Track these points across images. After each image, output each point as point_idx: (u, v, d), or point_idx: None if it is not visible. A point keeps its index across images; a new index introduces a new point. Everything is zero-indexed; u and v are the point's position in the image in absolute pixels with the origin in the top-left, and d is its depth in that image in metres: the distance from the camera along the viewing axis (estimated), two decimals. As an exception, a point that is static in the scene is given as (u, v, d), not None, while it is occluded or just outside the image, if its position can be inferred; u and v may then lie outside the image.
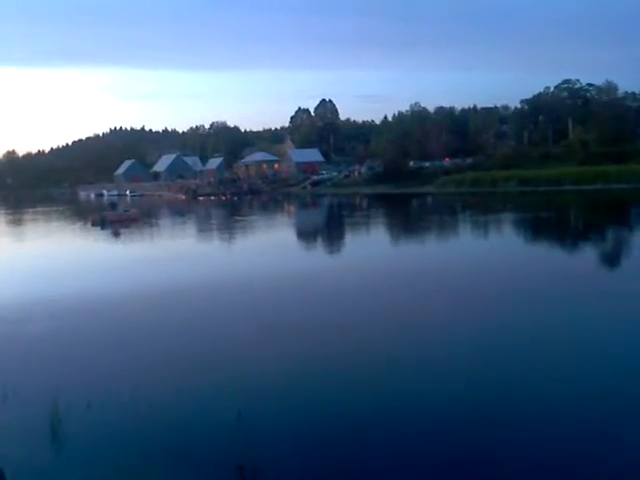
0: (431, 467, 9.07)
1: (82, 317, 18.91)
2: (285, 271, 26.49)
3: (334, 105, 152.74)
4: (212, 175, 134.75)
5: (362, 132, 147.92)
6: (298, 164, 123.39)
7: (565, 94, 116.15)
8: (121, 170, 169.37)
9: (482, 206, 61.14)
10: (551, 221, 45.16)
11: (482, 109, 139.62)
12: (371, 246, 34.92)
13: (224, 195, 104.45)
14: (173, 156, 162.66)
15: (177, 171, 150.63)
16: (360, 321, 17.03)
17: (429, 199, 74.61)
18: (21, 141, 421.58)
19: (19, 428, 10.61)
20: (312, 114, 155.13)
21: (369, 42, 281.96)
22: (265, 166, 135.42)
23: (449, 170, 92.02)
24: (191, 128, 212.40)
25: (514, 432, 9.88)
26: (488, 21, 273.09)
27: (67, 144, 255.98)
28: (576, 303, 18.40)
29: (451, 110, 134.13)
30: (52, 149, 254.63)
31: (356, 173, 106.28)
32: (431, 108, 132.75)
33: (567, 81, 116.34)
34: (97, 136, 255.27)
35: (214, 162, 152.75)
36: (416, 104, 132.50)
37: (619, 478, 8.50)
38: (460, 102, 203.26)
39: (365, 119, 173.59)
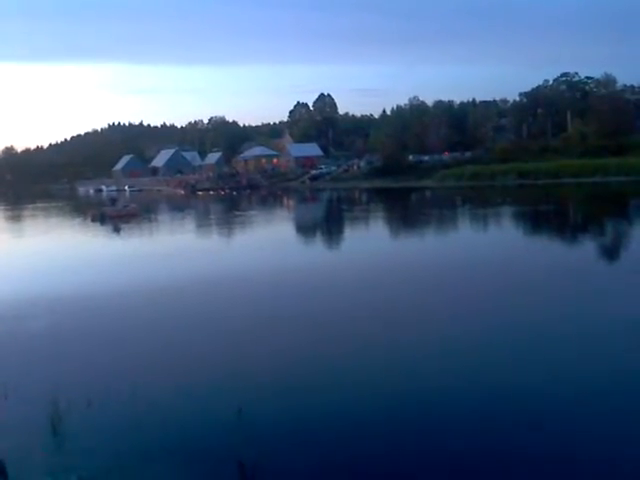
0: (431, 464, 9.08)
1: (83, 313, 18.92)
2: (287, 266, 26.44)
3: (333, 99, 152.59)
4: (211, 170, 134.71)
5: (361, 126, 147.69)
6: (297, 158, 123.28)
7: (564, 87, 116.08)
8: (120, 165, 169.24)
9: (481, 200, 61.15)
10: (551, 214, 45.14)
11: (481, 103, 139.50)
12: (372, 240, 34.86)
13: (223, 190, 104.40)
14: (172, 151, 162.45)
15: (176, 166, 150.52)
16: (363, 317, 16.99)
17: (428, 193, 74.61)
18: (20, 137, 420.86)
19: (20, 425, 10.63)
20: (311, 108, 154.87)
21: (367, 36, 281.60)
22: (264, 161, 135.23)
23: (448, 164, 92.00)
24: (190, 123, 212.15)
25: (516, 430, 9.90)
26: (486, 15, 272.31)
27: (66, 139, 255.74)
28: (580, 298, 18.40)
29: (450, 104, 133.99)
30: (51, 145, 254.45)
31: (355, 167, 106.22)
32: (430, 102, 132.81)
33: (566, 74, 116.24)
34: (95, 131, 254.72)
35: (213, 157, 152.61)
36: (415, 98, 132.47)
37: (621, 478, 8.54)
38: (459, 96, 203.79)
39: (364, 113, 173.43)
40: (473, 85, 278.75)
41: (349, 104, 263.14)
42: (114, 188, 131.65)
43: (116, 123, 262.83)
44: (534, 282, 20.42)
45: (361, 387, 11.70)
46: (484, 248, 29.54)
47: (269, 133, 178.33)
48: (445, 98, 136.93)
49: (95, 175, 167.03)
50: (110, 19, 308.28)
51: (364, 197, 75.95)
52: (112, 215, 54.41)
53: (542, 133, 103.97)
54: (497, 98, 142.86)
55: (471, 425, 10.04)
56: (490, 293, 19.57)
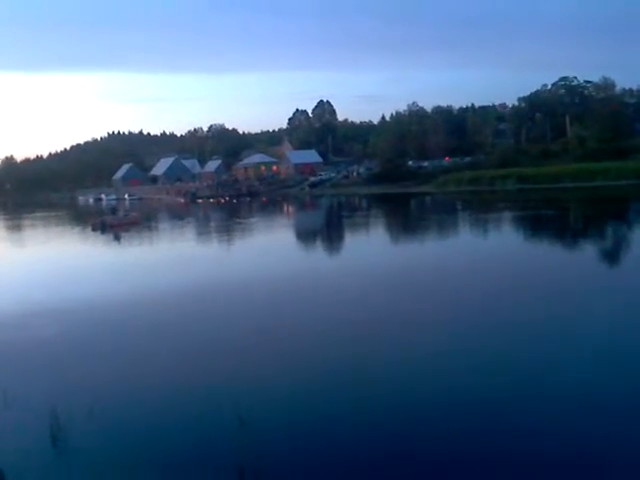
0: (434, 470, 9.05)
1: (85, 322, 18.93)
2: (289, 273, 26.46)
3: (332, 106, 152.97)
4: (211, 178, 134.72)
5: (360, 132, 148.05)
6: (296, 165, 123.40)
7: (562, 91, 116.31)
8: (119, 174, 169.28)
9: (481, 204, 61.17)
10: (553, 219, 45.09)
11: (480, 108, 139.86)
12: (374, 247, 34.70)
13: (223, 197, 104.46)
14: (171, 159, 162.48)
15: (175, 174, 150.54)
16: (365, 322, 17.01)
17: (428, 198, 74.64)
18: (19, 146, 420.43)
19: (20, 434, 10.61)
20: (310, 115, 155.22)
21: (366, 43, 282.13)
22: (263, 168, 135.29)
23: (447, 169, 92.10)
24: (189, 131, 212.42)
25: (520, 431, 9.90)
26: (484, 20, 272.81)
27: (65, 149, 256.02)
28: (587, 300, 18.44)
29: (449, 109, 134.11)
30: (50, 154, 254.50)
31: (354, 173, 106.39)
32: (429, 107, 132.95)
33: (564, 78, 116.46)
34: (95, 140, 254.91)
35: (212, 165, 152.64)
36: (414, 104, 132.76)
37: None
38: (458, 101, 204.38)
39: (363, 119, 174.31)
40: (472, 90, 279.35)
41: (348, 111, 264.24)
42: (114, 197, 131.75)
43: (116, 132, 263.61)
44: (543, 288, 20.40)
45: (363, 393, 11.65)
46: (488, 254, 29.35)
47: (268, 140, 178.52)
48: (444, 103, 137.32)
49: (95, 184, 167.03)
50: (110, 28, 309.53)
51: (364, 203, 75.98)
52: (113, 224, 54.37)
53: (541, 137, 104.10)
54: (496, 103, 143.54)
55: (475, 427, 10.04)
56: (496, 298, 19.57)
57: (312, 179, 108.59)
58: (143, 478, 9.17)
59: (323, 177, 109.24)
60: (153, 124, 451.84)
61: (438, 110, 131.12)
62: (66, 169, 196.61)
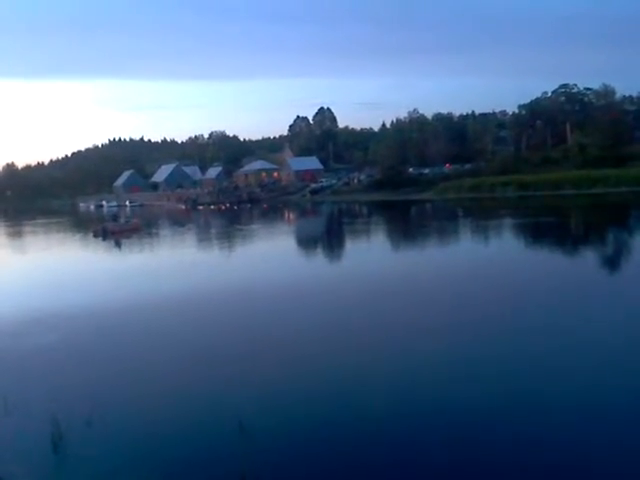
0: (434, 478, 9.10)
1: (88, 329, 18.96)
2: (291, 281, 26.46)
3: (332, 113, 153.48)
4: (211, 184, 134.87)
5: (361, 139, 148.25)
6: (297, 172, 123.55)
7: (563, 99, 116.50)
8: (120, 181, 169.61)
9: (482, 212, 61.20)
10: (555, 226, 45.09)
11: (480, 115, 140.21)
12: (377, 255, 34.43)
13: (224, 204, 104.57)
14: (172, 166, 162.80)
15: (176, 181, 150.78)
16: (367, 329, 17.03)
17: (429, 205, 74.68)
18: (20, 154, 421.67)
19: (21, 441, 10.63)
20: (310, 122, 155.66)
21: (366, 50, 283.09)
22: (264, 175, 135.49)
23: (448, 176, 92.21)
24: (190, 138, 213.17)
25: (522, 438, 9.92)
26: (485, 27, 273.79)
27: (66, 156, 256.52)
28: (591, 308, 18.47)
29: (449, 116, 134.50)
30: (51, 161, 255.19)
31: (355, 180, 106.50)
32: (429, 115, 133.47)
33: (564, 85, 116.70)
34: (96, 147, 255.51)
35: (213, 171, 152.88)
36: (414, 111, 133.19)
37: None
38: (458, 108, 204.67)
39: (363, 126, 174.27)
40: (472, 97, 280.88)
41: (349, 118, 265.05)
42: (115, 204, 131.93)
43: (117, 139, 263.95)
44: (548, 297, 20.43)
45: (365, 401, 11.64)
46: (492, 262, 29.21)
47: (269, 147, 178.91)
48: (444, 111, 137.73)
49: (96, 191, 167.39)
50: (110, 35, 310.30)
51: (365, 210, 76.02)
52: (114, 230, 54.40)
53: (542, 145, 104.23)
54: (496, 110, 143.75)
55: (479, 437, 10.08)
56: (501, 306, 19.60)
57: (313, 186, 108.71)
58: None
59: (324, 184, 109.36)
60: (154, 131, 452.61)
61: (438, 117, 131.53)
62: (67, 176, 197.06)
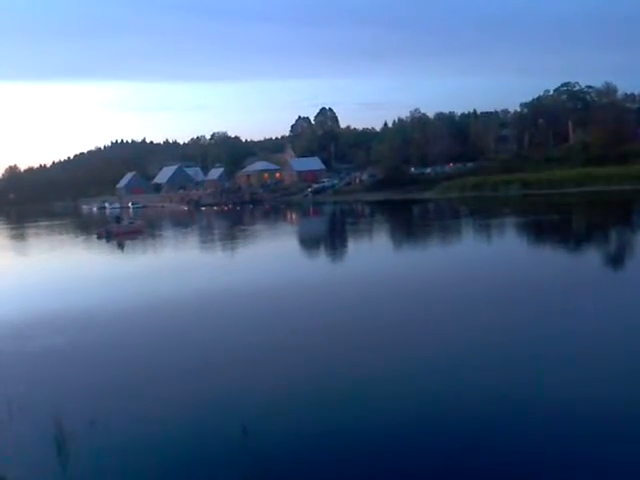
0: None
1: (95, 331, 19.02)
2: (296, 282, 26.50)
3: (334, 113, 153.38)
4: (214, 185, 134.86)
5: (362, 139, 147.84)
6: (299, 172, 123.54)
7: (565, 97, 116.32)
8: (123, 183, 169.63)
9: (486, 210, 61.11)
10: (559, 223, 45.04)
11: (482, 114, 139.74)
12: (382, 255, 34.36)
13: (226, 205, 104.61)
14: (174, 167, 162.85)
15: (179, 182, 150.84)
16: (373, 331, 17.09)
17: (431, 205, 74.61)
18: (23, 156, 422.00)
19: (25, 444, 10.68)
20: (312, 123, 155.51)
21: (368, 50, 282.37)
22: (266, 175, 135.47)
23: (450, 175, 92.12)
24: (192, 139, 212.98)
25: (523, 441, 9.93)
26: (486, 26, 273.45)
27: (69, 158, 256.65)
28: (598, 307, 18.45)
29: (451, 115, 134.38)
30: (54, 163, 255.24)
31: (357, 180, 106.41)
32: (431, 114, 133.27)
33: (566, 84, 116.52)
34: (99, 149, 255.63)
35: (215, 172, 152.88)
36: (416, 110, 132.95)
37: None
38: (460, 107, 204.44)
39: (365, 126, 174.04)
40: (474, 96, 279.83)
41: (350, 118, 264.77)
42: (117, 205, 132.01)
43: (119, 141, 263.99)
44: (555, 296, 20.43)
45: (368, 405, 11.64)
46: (499, 261, 29.27)
47: (271, 148, 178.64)
48: (446, 110, 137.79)
49: (98, 193, 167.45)
50: (113, 38, 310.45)
51: (367, 210, 75.99)
52: (118, 232, 54.48)
53: (544, 143, 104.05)
54: (498, 109, 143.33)
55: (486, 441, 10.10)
56: (510, 306, 19.61)
57: (315, 186, 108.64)
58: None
59: (326, 184, 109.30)
60: (156, 132, 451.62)
61: (440, 116, 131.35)
62: (69, 178, 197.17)
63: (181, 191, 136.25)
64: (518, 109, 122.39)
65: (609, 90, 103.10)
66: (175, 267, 33.67)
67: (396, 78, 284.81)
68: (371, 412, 11.29)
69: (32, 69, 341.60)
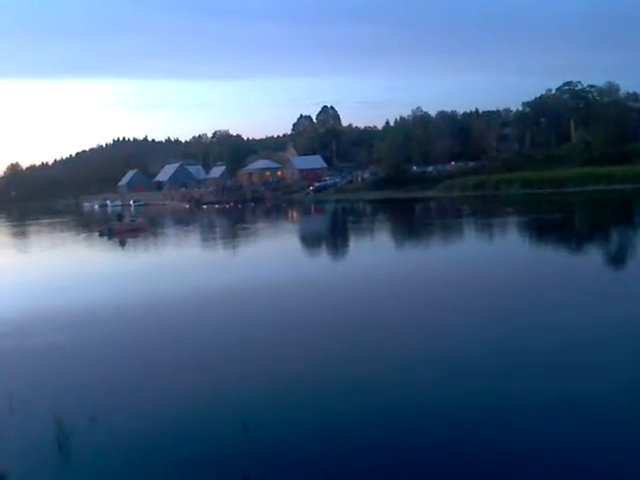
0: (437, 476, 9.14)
1: (94, 329, 19.07)
2: (299, 280, 26.51)
3: (336, 111, 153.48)
4: (215, 183, 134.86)
5: (364, 138, 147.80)
6: (301, 171, 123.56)
7: (567, 96, 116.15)
8: (124, 180, 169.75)
9: (488, 209, 61.11)
10: (562, 223, 45.00)
11: (484, 113, 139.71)
12: (385, 254, 34.15)
13: (228, 203, 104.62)
14: (176, 165, 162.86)
15: (180, 180, 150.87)
16: (376, 328, 17.11)
17: (433, 203, 74.62)
18: (25, 153, 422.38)
19: (26, 439, 10.72)
20: (314, 121, 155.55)
21: (370, 49, 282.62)
22: (268, 173, 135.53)
23: (452, 174, 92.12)
24: (194, 137, 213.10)
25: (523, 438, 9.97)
26: (488, 25, 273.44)
27: (70, 155, 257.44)
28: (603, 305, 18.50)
29: (453, 114, 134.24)
30: (56, 161, 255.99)
31: (359, 179, 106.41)
32: (433, 113, 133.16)
33: (568, 83, 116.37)
34: (100, 147, 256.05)
35: (217, 170, 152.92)
36: (418, 109, 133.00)
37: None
38: (462, 106, 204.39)
39: (367, 125, 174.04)
40: (476, 95, 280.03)
41: (352, 116, 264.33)
42: (119, 203, 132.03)
43: (121, 138, 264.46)
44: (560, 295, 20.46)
45: (369, 401, 11.66)
46: (503, 260, 29.19)
47: (273, 146, 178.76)
48: (448, 109, 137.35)
49: (100, 190, 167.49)
50: (114, 35, 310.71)
51: (369, 208, 75.99)
52: (120, 230, 54.52)
53: (546, 142, 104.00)
54: (500, 108, 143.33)
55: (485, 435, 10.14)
56: (517, 304, 19.65)
57: (317, 184, 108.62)
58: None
59: (328, 182, 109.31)
60: (158, 130, 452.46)
61: (442, 115, 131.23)
62: (71, 176, 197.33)
63: (183, 189, 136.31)
64: (520, 108, 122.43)
65: (611, 89, 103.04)
66: (177, 265, 33.70)
67: (398, 77, 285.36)
68: (370, 407, 11.34)
69: (33, 67, 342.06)
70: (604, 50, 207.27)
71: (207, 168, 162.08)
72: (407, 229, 49.22)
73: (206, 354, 15.37)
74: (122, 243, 47.66)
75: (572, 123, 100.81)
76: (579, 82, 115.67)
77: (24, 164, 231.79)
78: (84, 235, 61.77)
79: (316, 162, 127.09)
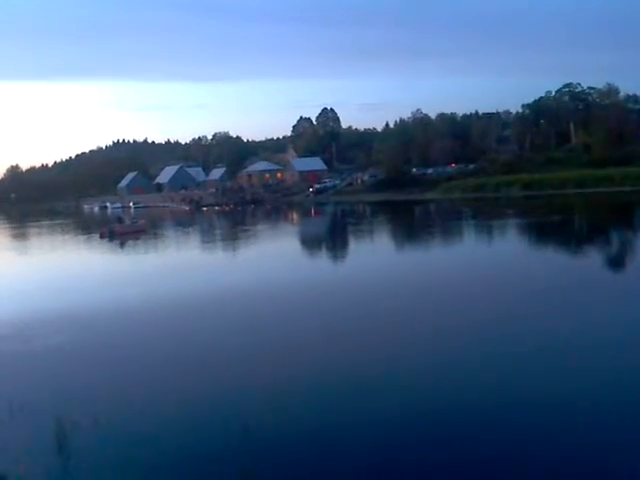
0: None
1: (96, 330, 19.12)
2: (298, 282, 26.59)
3: (336, 114, 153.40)
4: (215, 185, 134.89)
5: (364, 140, 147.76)
6: (301, 173, 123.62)
7: (566, 98, 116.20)
8: (124, 182, 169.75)
9: (488, 211, 61.14)
10: (562, 224, 45.01)
11: (484, 114, 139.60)
12: (386, 256, 34.13)
13: (227, 205, 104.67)
14: (176, 167, 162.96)
15: (180, 182, 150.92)
16: (376, 331, 17.16)
17: (433, 205, 74.61)
18: (25, 155, 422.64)
19: (26, 443, 10.70)
20: (314, 123, 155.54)
21: (369, 51, 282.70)
22: (268, 175, 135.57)
23: (452, 176, 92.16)
24: (194, 139, 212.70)
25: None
26: (488, 27, 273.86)
27: (70, 157, 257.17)
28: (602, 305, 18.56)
29: (453, 116, 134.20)
30: (56, 163, 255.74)
31: (359, 181, 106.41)
32: (433, 115, 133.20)
33: (568, 85, 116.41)
34: (100, 149, 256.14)
35: (217, 172, 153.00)
36: (418, 111, 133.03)
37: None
38: (461, 108, 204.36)
39: (367, 127, 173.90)
40: (476, 97, 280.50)
41: (352, 118, 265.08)
42: (119, 205, 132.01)
43: (121, 140, 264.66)
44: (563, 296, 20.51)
45: (369, 402, 11.70)
46: (506, 262, 29.23)
47: (273, 148, 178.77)
48: (448, 111, 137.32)
49: (100, 192, 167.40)
50: (113, 37, 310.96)
51: (369, 210, 76.00)
52: (121, 232, 54.57)
53: (545, 144, 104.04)
54: (500, 110, 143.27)
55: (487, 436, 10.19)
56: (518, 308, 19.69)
57: (316, 186, 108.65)
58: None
59: (327, 184, 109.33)
60: (158, 132, 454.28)
61: (442, 117, 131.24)
62: (71, 178, 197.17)
63: (183, 191, 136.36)
64: (520, 110, 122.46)
65: (611, 91, 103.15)
66: (179, 267, 33.74)
67: (398, 78, 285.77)
68: (370, 408, 11.37)
69: (32, 69, 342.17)
70: (604, 52, 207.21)
71: (207, 170, 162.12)
72: (407, 231, 49.23)
73: (206, 355, 15.44)
74: (123, 245, 47.71)
75: (572, 125, 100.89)
76: (579, 84, 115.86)
77: (24, 166, 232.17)
78: (85, 237, 61.80)
79: (316, 164, 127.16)
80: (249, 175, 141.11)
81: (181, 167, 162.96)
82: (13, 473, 9.31)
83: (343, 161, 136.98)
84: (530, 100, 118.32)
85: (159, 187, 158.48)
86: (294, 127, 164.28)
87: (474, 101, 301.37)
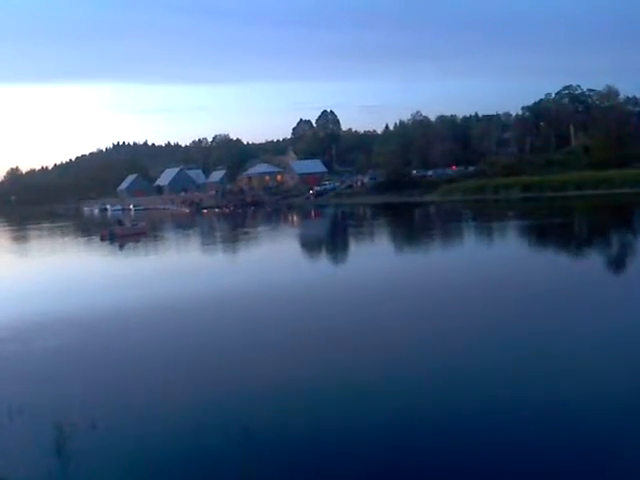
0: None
1: (97, 331, 19.14)
2: (297, 285, 26.62)
3: (336, 116, 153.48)
4: (215, 188, 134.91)
5: (364, 142, 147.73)
6: (301, 175, 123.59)
7: (566, 100, 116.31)
8: (125, 185, 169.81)
9: (488, 213, 61.16)
10: (562, 227, 45.00)
11: (484, 117, 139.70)
12: (386, 258, 34.10)
13: (227, 207, 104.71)
14: (176, 170, 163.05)
15: (180, 184, 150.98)
16: (377, 334, 17.17)
17: (433, 208, 74.63)
18: (25, 158, 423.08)
19: (25, 446, 10.75)
20: (314, 125, 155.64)
21: (369, 53, 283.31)
22: (268, 178, 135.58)
23: (451, 178, 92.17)
24: (194, 141, 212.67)
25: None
26: (488, 29, 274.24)
27: (70, 160, 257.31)
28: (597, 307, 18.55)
29: (453, 118, 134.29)
30: (56, 165, 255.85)
31: (359, 183, 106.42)
32: (432, 117, 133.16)
33: (568, 87, 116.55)
34: (100, 152, 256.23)
35: (217, 175, 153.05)
36: (417, 113, 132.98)
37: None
38: (461, 110, 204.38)
39: (367, 129, 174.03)
40: (476, 99, 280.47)
41: (352, 120, 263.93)
42: (119, 207, 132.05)
43: (120, 143, 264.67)
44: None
45: (370, 406, 11.70)
46: (505, 264, 29.34)
47: (273, 150, 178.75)
48: (448, 113, 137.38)
49: (100, 195, 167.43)
50: (113, 39, 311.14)
51: (369, 213, 76.02)
52: (121, 234, 54.63)
53: (545, 146, 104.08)
54: (500, 112, 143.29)
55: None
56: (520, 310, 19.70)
57: (316, 189, 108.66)
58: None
59: (327, 187, 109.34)
60: (158, 135, 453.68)
61: (442, 119, 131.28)
62: (71, 180, 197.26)
63: (183, 193, 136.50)
64: (520, 112, 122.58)
65: (611, 93, 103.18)
66: (178, 269, 33.75)
67: (397, 81, 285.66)
68: (369, 409, 11.43)
69: (32, 71, 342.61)
70: (604, 54, 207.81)
71: (207, 172, 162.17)
72: (407, 234, 49.24)
73: (206, 358, 15.47)
74: (125, 247, 47.75)
75: (572, 127, 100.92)
76: (579, 86, 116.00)
77: (24, 169, 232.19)
78: (85, 240, 61.85)
79: (316, 166, 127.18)
80: (249, 177, 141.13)
81: (181, 169, 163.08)
82: (12, 476, 9.32)
83: (343, 163, 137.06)
84: (530, 102, 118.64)
85: (159, 189, 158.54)
86: (294, 129, 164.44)
87: (474, 103, 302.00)
